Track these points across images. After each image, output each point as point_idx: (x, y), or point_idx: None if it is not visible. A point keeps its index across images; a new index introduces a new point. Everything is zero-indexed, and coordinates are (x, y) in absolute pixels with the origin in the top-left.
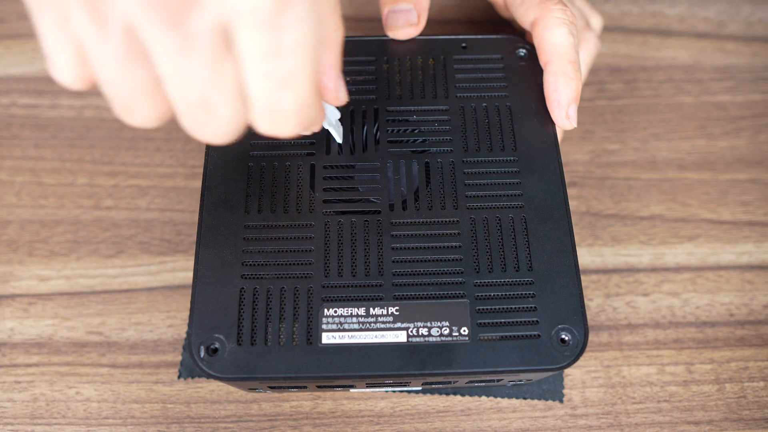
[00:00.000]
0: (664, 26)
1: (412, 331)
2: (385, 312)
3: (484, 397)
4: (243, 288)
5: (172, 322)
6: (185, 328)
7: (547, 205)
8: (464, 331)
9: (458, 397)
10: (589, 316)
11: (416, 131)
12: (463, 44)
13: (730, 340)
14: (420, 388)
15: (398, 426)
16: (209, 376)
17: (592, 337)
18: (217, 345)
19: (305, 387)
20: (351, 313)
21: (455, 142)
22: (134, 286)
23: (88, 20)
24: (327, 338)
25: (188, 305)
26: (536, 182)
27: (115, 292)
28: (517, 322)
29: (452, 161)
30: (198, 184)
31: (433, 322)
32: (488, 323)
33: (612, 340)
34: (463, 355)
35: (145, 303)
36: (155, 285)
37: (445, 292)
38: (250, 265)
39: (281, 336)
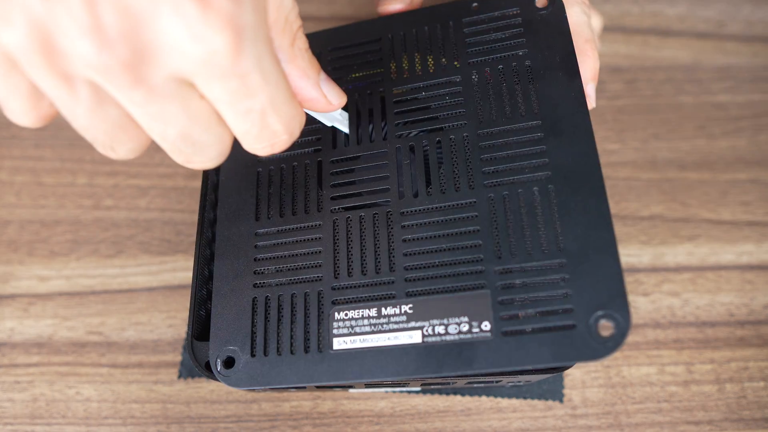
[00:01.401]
0: (664, 26)
1: (427, 330)
2: (397, 311)
3: (484, 397)
4: (255, 297)
5: (172, 322)
6: (185, 328)
7: (578, 170)
8: (486, 326)
9: (458, 397)
10: None
11: (426, 109)
12: (474, 4)
13: (730, 340)
14: (419, 389)
15: (398, 426)
16: (213, 376)
17: None
18: (232, 357)
19: (304, 387)
20: (362, 315)
21: (469, 115)
22: (134, 286)
23: (54, 81)
24: (338, 344)
25: (188, 305)
26: (564, 146)
27: (115, 292)
28: (547, 311)
29: (466, 135)
30: (198, 184)
31: (450, 319)
32: (513, 315)
33: None
34: (486, 353)
35: (145, 303)
36: (155, 285)
37: (463, 284)
38: (262, 273)
39: (293, 344)
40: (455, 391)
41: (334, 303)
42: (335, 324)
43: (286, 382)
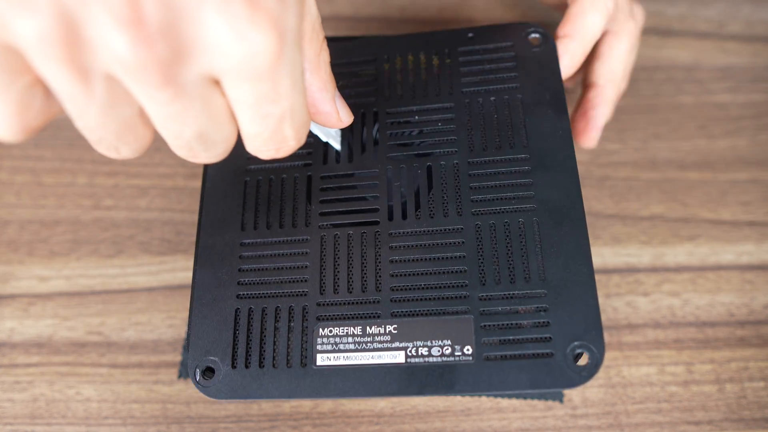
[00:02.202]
0: (664, 26)
1: (410, 351)
2: (382, 330)
3: (484, 397)
4: (238, 308)
5: (172, 322)
6: (185, 328)
7: (562, 205)
8: (468, 350)
9: (458, 397)
10: None
11: (418, 133)
12: (470, 34)
13: (730, 340)
14: None
15: (398, 426)
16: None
17: None
18: (212, 368)
19: None
20: (346, 333)
21: (460, 142)
22: (134, 286)
23: (68, 75)
24: (321, 359)
25: (188, 305)
26: (550, 180)
27: (115, 292)
28: (527, 339)
29: (456, 163)
30: (198, 184)
31: (433, 341)
32: (494, 341)
33: (612, 340)
34: (467, 376)
35: (145, 303)
36: (155, 285)
37: (448, 308)
38: (246, 284)
39: (275, 358)
40: None
41: (318, 319)
42: (319, 340)
43: (267, 396)
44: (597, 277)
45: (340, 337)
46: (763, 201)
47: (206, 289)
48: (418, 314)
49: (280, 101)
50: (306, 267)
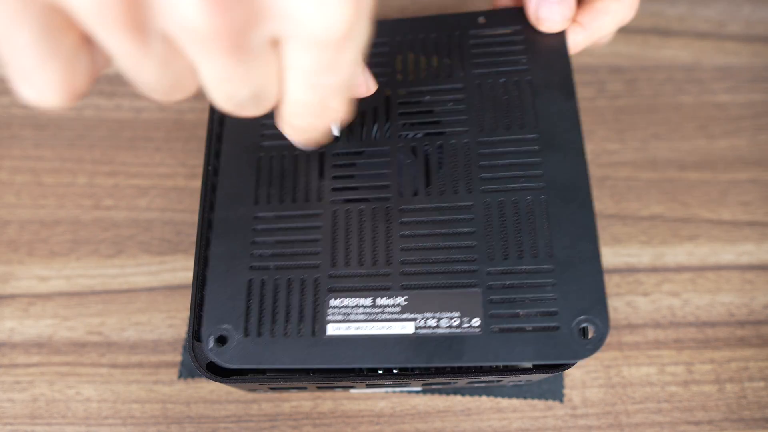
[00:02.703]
0: (664, 26)
1: (420, 322)
2: (392, 302)
3: (484, 397)
4: (252, 279)
5: (172, 322)
6: (185, 328)
7: (570, 185)
8: (476, 322)
9: (458, 397)
10: None
11: (429, 113)
12: (480, 18)
13: (730, 340)
14: (420, 389)
15: (398, 426)
16: (212, 377)
17: None
18: (225, 336)
19: (305, 387)
20: (357, 304)
21: (471, 122)
22: (134, 286)
23: (125, 36)
24: (332, 329)
25: (188, 305)
26: (558, 161)
27: (115, 292)
28: (534, 312)
29: (467, 142)
30: (198, 184)
31: (442, 313)
32: (502, 314)
33: (612, 340)
34: (474, 347)
35: (145, 303)
36: (155, 285)
37: (457, 281)
38: (259, 256)
39: (287, 327)
40: (455, 391)
41: (330, 290)
42: (330, 310)
43: (278, 363)
44: None
45: (351, 308)
46: (763, 201)
47: (221, 261)
48: (428, 287)
49: (339, 73)
50: (318, 240)
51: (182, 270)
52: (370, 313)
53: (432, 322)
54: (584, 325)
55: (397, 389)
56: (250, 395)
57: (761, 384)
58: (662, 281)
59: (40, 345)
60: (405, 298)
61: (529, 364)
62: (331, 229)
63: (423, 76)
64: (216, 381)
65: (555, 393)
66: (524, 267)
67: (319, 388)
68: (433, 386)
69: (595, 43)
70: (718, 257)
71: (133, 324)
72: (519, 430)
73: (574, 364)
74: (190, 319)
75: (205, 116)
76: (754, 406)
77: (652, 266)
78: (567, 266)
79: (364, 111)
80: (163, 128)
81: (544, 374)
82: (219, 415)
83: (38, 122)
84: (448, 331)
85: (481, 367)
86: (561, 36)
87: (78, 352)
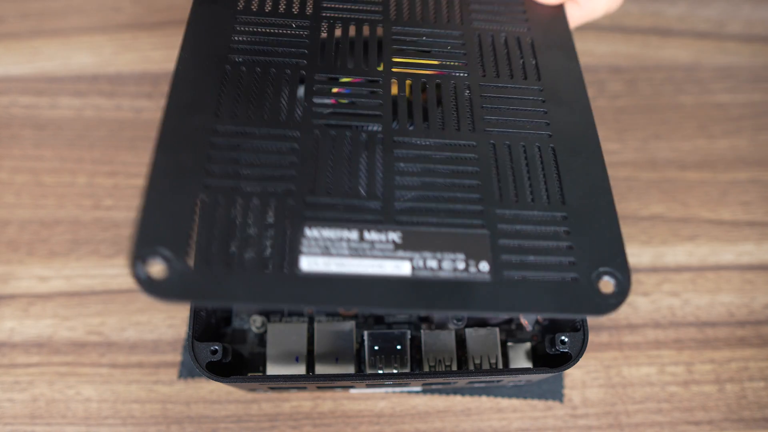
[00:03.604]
0: (664, 26)
1: (417, 263)
2: (384, 238)
3: (484, 397)
4: (203, 198)
5: (172, 322)
6: (185, 328)
7: (579, 138)
8: (484, 266)
9: (458, 397)
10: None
11: (427, 53)
12: None
13: (730, 340)
14: (420, 389)
15: (398, 426)
16: (212, 377)
17: (591, 337)
18: (162, 262)
19: (305, 387)
20: (340, 237)
21: (471, 68)
22: (134, 286)
23: None
24: (307, 264)
25: (188, 305)
26: (565, 114)
27: (115, 292)
28: (549, 262)
29: (468, 84)
30: None
31: (444, 254)
32: (514, 260)
33: (612, 340)
34: (483, 295)
35: (145, 303)
36: None
37: (461, 221)
38: (215, 175)
39: (245, 256)
40: (455, 391)
41: (307, 219)
42: (305, 241)
43: (232, 300)
44: None
45: (332, 240)
46: (763, 201)
47: (164, 175)
48: (426, 225)
49: None
50: (294, 164)
51: None
52: (357, 249)
53: (432, 264)
54: (605, 277)
55: (397, 389)
56: (250, 395)
57: (761, 384)
58: (662, 281)
59: (40, 345)
60: (399, 234)
61: (529, 364)
62: (311, 154)
63: (420, 20)
64: (216, 381)
65: (555, 393)
66: (537, 213)
67: (319, 388)
68: (433, 386)
69: (587, 21)
70: (718, 257)
71: (133, 324)
72: (519, 430)
73: (574, 365)
74: (189, 319)
75: None
76: (754, 406)
77: (652, 266)
78: (582, 215)
79: (353, 43)
80: None
81: (544, 374)
82: (219, 415)
83: (38, 122)
84: (451, 274)
85: (481, 365)
86: (560, 7)
87: (78, 352)
